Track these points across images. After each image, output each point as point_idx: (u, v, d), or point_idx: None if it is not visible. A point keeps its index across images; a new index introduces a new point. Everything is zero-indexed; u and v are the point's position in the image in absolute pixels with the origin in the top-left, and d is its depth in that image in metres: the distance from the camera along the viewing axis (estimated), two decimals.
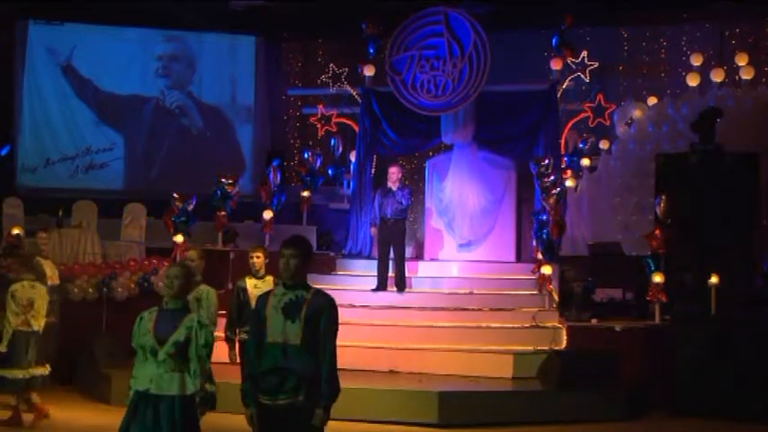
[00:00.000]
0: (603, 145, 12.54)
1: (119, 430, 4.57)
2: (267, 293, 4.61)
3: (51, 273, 8.85)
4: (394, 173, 10.84)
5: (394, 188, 10.72)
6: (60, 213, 11.48)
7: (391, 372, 9.11)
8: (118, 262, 10.85)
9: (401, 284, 10.64)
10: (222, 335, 7.30)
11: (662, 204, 9.81)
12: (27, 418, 7.49)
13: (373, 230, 11.25)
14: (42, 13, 14.28)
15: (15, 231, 10.53)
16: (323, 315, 4.46)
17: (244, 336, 6.99)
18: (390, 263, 10.69)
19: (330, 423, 4.46)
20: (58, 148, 14.51)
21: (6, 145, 13.92)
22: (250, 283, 7.24)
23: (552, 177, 10.60)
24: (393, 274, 10.67)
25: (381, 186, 11.05)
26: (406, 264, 10.95)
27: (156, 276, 10.05)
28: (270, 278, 7.16)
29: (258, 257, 7.28)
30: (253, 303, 6.60)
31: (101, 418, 7.71)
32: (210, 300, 6.86)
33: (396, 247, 10.66)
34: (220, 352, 6.72)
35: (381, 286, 10.65)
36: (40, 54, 14.50)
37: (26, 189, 13.82)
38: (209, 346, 4.69)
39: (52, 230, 10.60)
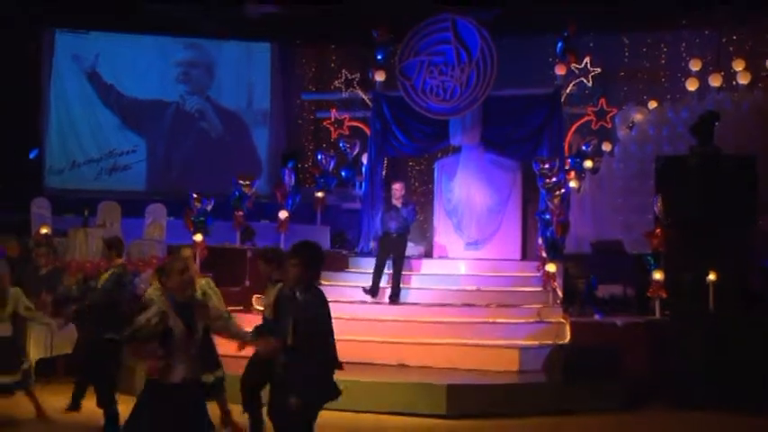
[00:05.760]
0: (606, 147, 12.68)
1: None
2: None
3: None
4: (398, 189, 10.77)
5: (398, 204, 10.70)
6: (86, 213, 11.59)
7: (401, 365, 9.21)
8: (140, 260, 11.07)
9: (395, 297, 10.49)
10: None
11: (659, 204, 9.86)
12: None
13: (373, 245, 11.35)
14: (68, 22, 14.57)
15: (43, 231, 10.86)
16: (315, 315, 4.50)
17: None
18: (385, 276, 10.64)
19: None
20: (83, 151, 14.83)
21: (35, 148, 14.24)
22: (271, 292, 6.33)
23: (556, 179, 10.64)
24: (389, 285, 10.59)
25: (386, 203, 11.03)
26: (415, 262, 11.03)
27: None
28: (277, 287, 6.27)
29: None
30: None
31: (125, 410, 7.95)
32: (214, 288, 7.00)
33: (396, 258, 10.60)
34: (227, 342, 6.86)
35: (374, 292, 10.51)
36: (65, 62, 14.81)
37: (53, 190, 14.09)
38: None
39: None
